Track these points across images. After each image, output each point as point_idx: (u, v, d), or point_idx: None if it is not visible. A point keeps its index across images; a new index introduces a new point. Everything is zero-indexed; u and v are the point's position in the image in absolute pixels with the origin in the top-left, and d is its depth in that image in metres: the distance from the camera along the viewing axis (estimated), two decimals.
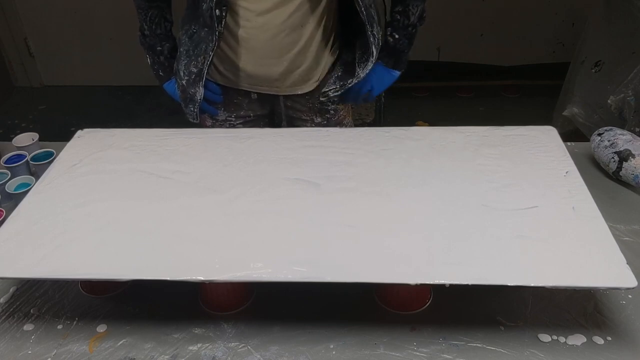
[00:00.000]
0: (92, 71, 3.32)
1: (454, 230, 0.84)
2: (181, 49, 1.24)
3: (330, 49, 1.26)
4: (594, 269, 0.76)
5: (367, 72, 1.23)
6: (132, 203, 0.93)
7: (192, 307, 0.90)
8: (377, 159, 1.01)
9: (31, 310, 0.91)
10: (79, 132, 1.15)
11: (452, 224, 0.85)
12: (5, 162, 1.20)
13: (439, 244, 0.81)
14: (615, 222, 1.01)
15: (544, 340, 0.81)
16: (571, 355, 0.79)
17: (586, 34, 2.15)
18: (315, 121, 1.33)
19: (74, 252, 0.83)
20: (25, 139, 1.29)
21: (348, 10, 1.22)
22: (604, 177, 1.15)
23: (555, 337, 0.82)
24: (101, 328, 0.87)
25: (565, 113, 2.13)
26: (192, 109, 1.26)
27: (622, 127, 1.24)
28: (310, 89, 1.27)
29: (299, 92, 1.27)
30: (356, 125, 1.50)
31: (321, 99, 1.27)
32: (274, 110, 1.35)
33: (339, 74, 1.26)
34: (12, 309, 0.91)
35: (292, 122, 1.35)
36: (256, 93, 1.28)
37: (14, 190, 1.12)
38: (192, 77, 1.22)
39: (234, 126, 1.34)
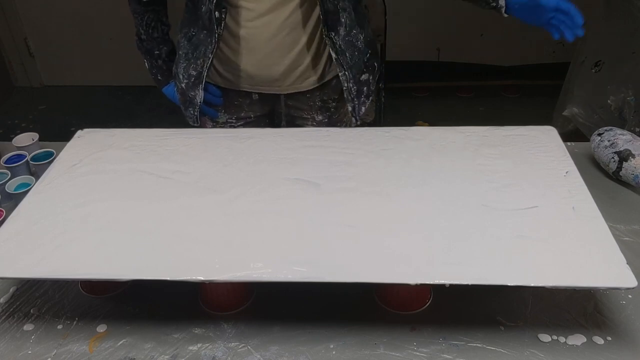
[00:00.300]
0: (92, 71, 3.32)
1: (454, 230, 0.84)
2: (180, 52, 1.24)
3: None
4: (594, 269, 0.76)
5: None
6: (132, 203, 0.93)
7: (192, 307, 0.90)
8: (377, 159, 1.01)
9: (31, 310, 0.91)
10: (79, 132, 1.15)
11: (452, 224, 0.85)
12: (5, 162, 1.20)
13: (439, 244, 0.81)
14: (615, 222, 1.01)
15: (544, 340, 0.81)
16: (571, 355, 0.79)
17: (586, 34, 2.15)
18: (317, 119, 1.33)
19: (74, 252, 0.83)
20: (25, 139, 1.29)
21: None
22: (604, 177, 1.15)
23: (555, 337, 0.82)
24: (101, 328, 0.87)
25: (565, 113, 2.13)
26: (192, 112, 1.26)
27: (622, 127, 1.24)
28: (312, 87, 1.27)
29: (301, 91, 1.27)
30: (356, 125, 1.50)
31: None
32: (274, 110, 1.35)
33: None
34: (12, 309, 0.91)
35: (292, 121, 1.35)
36: (257, 93, 1.28)
37: (14, 190, 1.12)
38: (192, 80, 1.22)
39: (234, 128, 1.34)
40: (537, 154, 1.00)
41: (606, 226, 0.83)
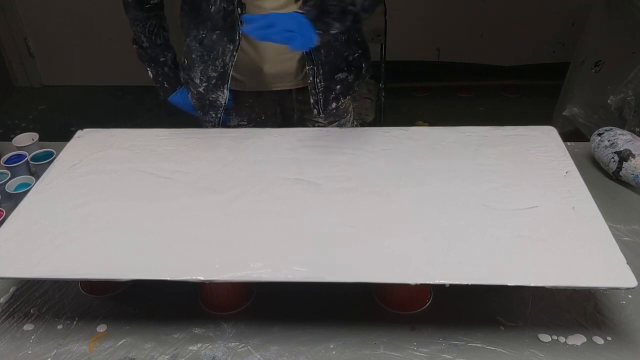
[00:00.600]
0: (92, 71, 3.32)
1: (454, 230, 0.84)
2: (193, 56, 1.21)
3: None
4: (594, 269, 0.76)
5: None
6: (132, 203, 0.93)
7: (192, 307, 0.90)
8: (377, 159, 1.01)
9: (31, 310, 0.91)
10: (79, 132, 1.15)
11: (452, 224, 0.85)
12: (5, 162, 1.20)
13: (439, 244, 0.81)
14: (615, 222, 1.01)
15: (544, 340, 0.81)
16: (571, 355, 0.79)
17: (586, 34, 2.15)
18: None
19: (74, 252, 0.83)
20: (25, 139, 1.29)
21: None
22: (604, 177, 1.14)
23: (555, 337, 0.82)
24: (101, 328, 0.87)
25: (565, 113, 2.13)
26: (213, 115, 1.23)
27: (622, 127, 1.24)
28: None
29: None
30: (356, 125, 1.50)
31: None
32: (284, 108, 1.35)
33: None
34: (12, 309, 0.91)
35: (302, 116, 1.34)
36: (268, 92, 1.27)
37: (14, 190, 1.12)
38: (213, 82, 1.19)
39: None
40: (537, 154, 1.00)
41: (606, 226, 0.83)
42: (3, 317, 0.90)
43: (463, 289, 0.76)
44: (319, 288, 0.83)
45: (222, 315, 0.89)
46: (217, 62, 1.17)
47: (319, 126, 1.31)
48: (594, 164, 1.18)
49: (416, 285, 0.77)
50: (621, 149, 1.10)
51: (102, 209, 0.92)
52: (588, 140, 1.20)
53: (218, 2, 1.10)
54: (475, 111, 2.95)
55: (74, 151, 1.09)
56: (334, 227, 0.86)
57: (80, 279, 0.89)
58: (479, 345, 0.81)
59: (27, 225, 0.89)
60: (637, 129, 1.65)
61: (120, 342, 0.85)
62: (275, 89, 1.27)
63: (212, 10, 1.13)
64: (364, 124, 2.50)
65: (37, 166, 1.22)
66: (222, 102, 1.21)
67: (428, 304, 0.89)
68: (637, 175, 1.07)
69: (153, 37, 1.22)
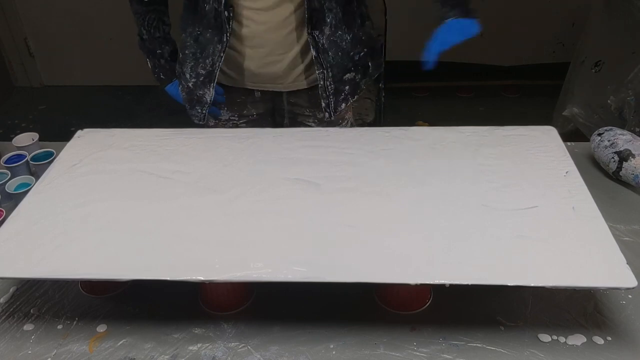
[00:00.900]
0: (92, 71, 3.32)
1: (454, 230, 0.84)
2: (186, 52, 1.24)
3: None
4: (594, 269, 0.76)
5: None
6: (132, 203, 0.93)
7: (192, 307, 0.90)
8: (377, 159, 1.01)
9: (31, 310, 0.91)
10: (79, 132, 1.15)
11: (452, 224, 0.85)
12: (5, 162, 1.20)
13: (439, 244, 0.81)
14: (615, 222, 1.01)
15: (544, 340, 0.81)
16: (571, 355, 0.79)
17: (586, 34, 2.15)
18: (318, 117, 1.33)
19: (74, 252, 0.83)
20: (25, 139, 1.29)
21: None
22: (604, 177, 1.14)
23: (555, 337, 0.82)
24: (101, 328, 0.87)
25: (565, 113, 2.13)
26: (199, 110, 1.27)
27: (622, 127, 1.24)
28: (313, 84, 1.27)
29: (302, 88, 1.28)
30: (356, 125, 1.50)
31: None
32: (276, 108, 1.36)
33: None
34: (12, 309, 0.91)
35: (295, 119, 1.35)
36: (260, 91, 1.29)
37: (14, 190, 1.12)
38: (201, 79, 1.22)
39: (236, 126, 1.34)
40: (537, 154, 1.00)
41: (606, 226, 0.83)
42: (3, 317, 0.90)
43: (463, 289, 0.76)
44: (319, 288, 0.83)
45: (222, 315, 0.89)
46: (207, 61, 1.19)
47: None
48: (594, 164, 1.18)
49: (416, 285, 0.77)
50: (621, 149, 1.10)
51: (102, 209, 0.92)
52: (588, 140, 1.20)
53: (211, 1, 1.11)
54: (475, 111, 2.95)
55: (74, 151, 1.09)
56: (334, 227, 0.86)
57: (80, 279, 0.89)
58: (479, 345, 0.81)
59: (27, 225, 0.89)
60: (637, 129, 1.65)
61: (120, 342, 0.85)
62: (266, 89, 1.28)
63: (206, 9, 1.14)
64: (364, 124, 2.51)
65: (37, 166, 1.22)
66: (208, 99, 1.24)
67: (428, 304, 0.89)
68: (637, 175, 1.07)
69: (152, 30, 1.26)
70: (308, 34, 1.15)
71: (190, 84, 1.24)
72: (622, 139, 1.12)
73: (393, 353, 0.81)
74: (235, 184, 0.97)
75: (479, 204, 0.89)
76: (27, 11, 3.19)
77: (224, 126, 1.34)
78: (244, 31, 1.17)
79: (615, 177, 1.12)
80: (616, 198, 1.09)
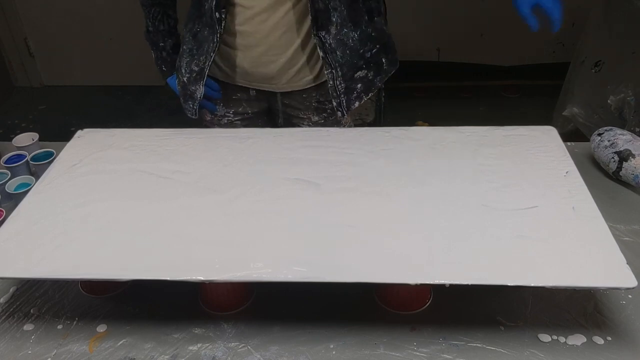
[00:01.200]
0: (92, 71, 3.32)
1: (454, 230, 0.84)
2: (185, 47, 1.26)
3: None
4: (594, 269, 0.76)
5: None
6: (132, 203, 0.93)
7: (192, 307, 0.90)
8: (377, 159, 1.01)
9: (31, 310, 0.91)
10: (79, 132, 1.15)
11: (452, 224, 0.85)
12: (5, 162, 1.20)
13: (439, 244, 0.81)
14: (615, 222, 1.01)
15: (544, 340, 0.81)
16: (571, 355, 0.79)
17: (586, 34, 2.15)
18: (312, 120, 1.33)
19: (74, 252, 0.83)
20: (25, 139, 1.29)
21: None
22: (604, 177, 1.14)
23: (555, 337, 0.82)
24: (101, 328, 0.87)
25: (565, 113, 2.13)
26: (191, 105, 1.29)
27: (622, 127, 1.24)
28: (308, 86, 1.27)
29: (297, 89, 1.28)
30: (356, 125, 1.50)
31: None
32: (271, 108, 1.36)
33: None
34: (12, 309, 0.91)
35: (289, 120, 1.36)
36: (254, 90, 1.29)
37: (14, 190, 1.12)
38: (193, 75, 1.24)
39: (232, 122, 1.35)
40: (537, 154, 1.00)
41: (606, 226, 0.83)
42: (3, 317, 0.90)
43: (463, 289, 0.76)
44: (319, 288, 0.83)
45: (222, 315, 0.89)
46: (201, 58, 1.21)
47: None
48: (594, 164, 1.18)
49: (416, 285, 0.77)
50: (621, 149, 1.10)
51: (102, 209, 0.92)
52: (588, 140, 1.20)
53: (209, 0, 1.12)
54: (475, 111, 2.95)
55: (74, 151, 1.09)
56: (334, 227, 0.86)
57: (80, 279, 0.89)
58: (479, 345, 0.81)
59: (27, 225, 0.89)
60: (637, 129, 1.65)
61: (120, 342, 0.85)
62: (261, 88, 1.28)
63: (205, 7, 1.15)
64: (364, 124, 2.51)
65: (37, 166, 1.22)
66: (199, 96, 1.26)
67: (428, 304, 0.89)
68: (637, 175, 1.07)
69: (156, 23, 1.28)
70: (314, 35, 1.15)
71: (185, 79, 1.27)
72: (622, 139, 1.12)
73: (393, 353, 0.81)
74: (235, 184, 0.97)
75: (479, 204, 0.89)
76: (27, 11, 3.19)
77: (219, 122, 1.35)
78: (238, 30, 1.17)
79: (615, 177, 1.12)
80: (616, 198, 1.09)
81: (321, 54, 1.17)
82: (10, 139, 1.31)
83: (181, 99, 1.32)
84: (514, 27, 2.87)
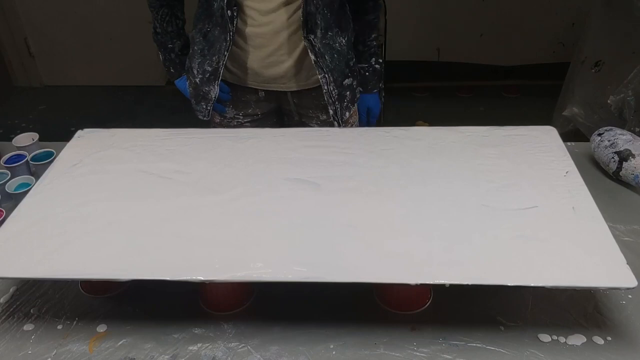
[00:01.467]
0: (92, 71, 3.32)
1: (454, 230, 0.84)
2: (195, 48, 1.26)
3: None
4: (594, 269, 0.76)
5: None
6: (132, 203, 0.93)
7: (192, 307, 0.90)
8: (377, 159, 1.01)
9: (31, 310, 0.91)
10: (79, 132, 1.15)
11: (452, 224, 0.85)
12: (5, 162, 1.20)
13: (439, 244, 0.81)
14: (615, 222, 1.01)
15: (544, 340, 0.81)
16: (571, 355, 0.79)
17: (586, 34, 2.15)
18: (321, 118, 1.33)
19: (74, 252, 0.83)
20: (25, 139, 1.29)
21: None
22: (604, 177, 1.15)
23: (555, 337, 0.82)
24: (101, 328, 0.87)
25: (565, 113, 2.13)
26: (204, 106, 1.29)
27: (622, 127, 1.24)
28: (317, 84, 1.27)
29: (307, 88, 1.28)
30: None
31: None
32: (281, 108, 1.36)
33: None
34: (12, 309, 0.91)
35: (299, 119, 1.36)
36: (263, 91, 1.29)
37: (14, 190, 1.12)
38: (207, 76, 1.24)
39: (241, 124, 1.35)
40: (537, 154, 1.00)
41: (606, 226, 0.83)
42: (3, 317, 0.90)
43: (463, 289, 0.76)
44: (319, 288, 0.83)
45: (222, 315, 0.89)
46: (214, 58, 1.21)
47: None
48: (594, 164, 1.18)
49: (416, 285, 0.77)
50: (621, 149, 1.10)
51: (102, 209, 0.92)
52: (588, 140, 1.20)
53: (219, 0, 1.12)
54: (475, 111, 2.95)
55: (74, 151, 1.09)
56: (334, 227, 0.86)
57: (80, 279, 0.89)
58: (479, 345, 0.81)
59: (27, 225, 0.89)
60: (637, 129, 1.65)
61: (120, 342, 0.85)
62: (270, 89, 1.28)
63: (214, 7, 1.15)
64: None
65: (37, 166, 1.22)
66: (213, 96, 1.26)
67: (428, 304, 0.89)
68: (637, 175, 1.07)
69: (164, 24, 1.29)
70: (304, 37, 1.16)
71: (197, 80, 1.26)
72: (622, 139, 1.12)
73: (393, 353, 0.81)
74: (236, 184, 0.97)
75: (479, 204, 0.89)
76: (27, 11, 3.19)
77: (229, 123, 1.35)
78: (248, 31, 1.18)
79: (615, 177, 1.12)
80: (616, 198, 1.09)
81: (312, 57, 1.18)
82: (10, 139, 1.31)
83: (192, 100, 1.31)
84: (514, 27, 2.89)
